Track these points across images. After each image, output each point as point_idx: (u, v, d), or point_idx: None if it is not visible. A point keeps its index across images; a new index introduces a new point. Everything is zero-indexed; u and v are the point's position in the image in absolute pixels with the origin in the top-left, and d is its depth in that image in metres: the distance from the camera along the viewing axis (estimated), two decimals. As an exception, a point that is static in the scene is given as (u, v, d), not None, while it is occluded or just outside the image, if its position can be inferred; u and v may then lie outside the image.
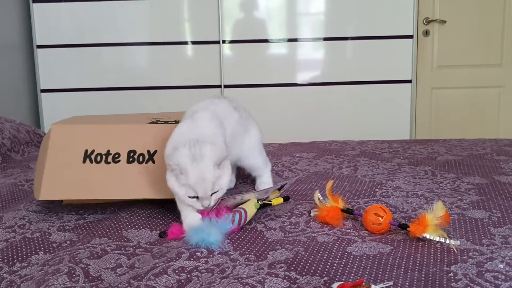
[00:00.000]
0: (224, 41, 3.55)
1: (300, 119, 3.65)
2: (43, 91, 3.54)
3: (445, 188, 1.60)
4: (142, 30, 3.57)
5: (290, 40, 3.63)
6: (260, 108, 3.60)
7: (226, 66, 3.57)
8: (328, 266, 1.06)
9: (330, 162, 1.97)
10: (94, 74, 3.56)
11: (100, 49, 3.55)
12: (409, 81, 3.64)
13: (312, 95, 3.62)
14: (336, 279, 1.00)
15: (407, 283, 0.97)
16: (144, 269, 1.06)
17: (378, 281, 0.99)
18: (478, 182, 1.64)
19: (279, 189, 1.46)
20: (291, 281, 0.99)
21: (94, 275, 1.04)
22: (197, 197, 1.22)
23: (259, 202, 1.35)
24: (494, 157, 1.99)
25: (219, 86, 3.60)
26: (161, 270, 1.04)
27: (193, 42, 3.58)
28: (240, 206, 1.30)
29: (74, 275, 1.02)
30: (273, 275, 1.01)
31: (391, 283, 0.96)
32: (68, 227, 1.31)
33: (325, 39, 3.62)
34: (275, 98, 3.62)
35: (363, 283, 0.88)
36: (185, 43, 3.58)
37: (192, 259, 1.09)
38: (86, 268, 1.06)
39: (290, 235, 1.25)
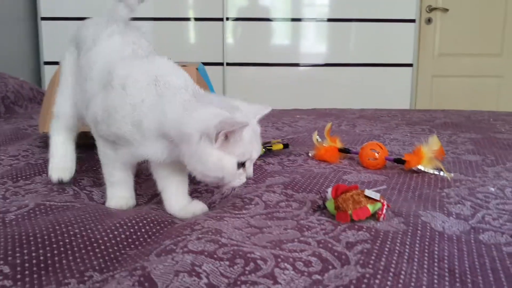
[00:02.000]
0: (227, 19, 3.57)
1: (300, 99, 3.66)
2: (46, 63, 3.56)
3: (442, 140, 1.62)
4: (145, 5, 3.58)
5: (294, 19, 3.64)
6: (261, 87, 3.63)
7: (228, 44, 3.59)
8: (324, 187, 1.08)
9: (330, 121, 1.99)
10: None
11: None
12: (410, 65, 3.65)
13: (313, 76, 3.63)
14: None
15: (400, 199, 1.00)
16: (145, 189, 1.08)
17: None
18: (473, 137, 1.67)
19: (285, 146, 1.44)
20: (288, 196, 1.02)
21: (95, 199, 1.06)
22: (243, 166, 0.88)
23: (264, 148, 1.37)
24: (491, 122, 2.01)
25: (221, 64, 3.62)
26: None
27: (196, 19, 3.60)
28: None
29: (79, 197, 1.04)
30: (271, 191, 1.04)
31: (384, 186, 0.98)
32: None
33: (329, 20, 3.63)
34: (276, 78, 3.63)
35: (354, 189, 0.89)
36: (188, 19, 3.60)
37: (192, 184, 1.10)
38: (90, 194, 1.08)
39: (288, 168, 1.27)
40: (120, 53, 0.96)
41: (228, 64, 3.62)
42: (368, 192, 0.87)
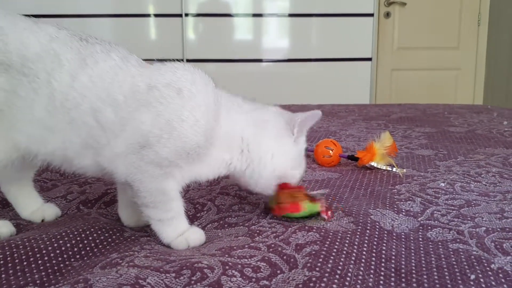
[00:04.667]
0: (187, 15, 3.53)
1: (262, 95, 3.65)
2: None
3: (396, 135, 1.65)
4: (103, 1, 3.51)
5: (255, 15, 3.63)
6: (222, 83, 3.60)
7: (189, 40, 3.55)
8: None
9: (288, 118, 2.00)
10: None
11: (60, 20, 3.47)
12: (369, 59, 3.69)
13: (275, 71, 3.63)
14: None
15: (352, 197, 1.00)
16: (96, 195, 1.06)
17: (324, 196, 1.01)
18: (428, 131, 1.70)
19: None
20: (241, 198, 1.01)
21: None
22: None
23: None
24: (445, 115, 2.06)
25: (181, 60, 3.57)
26: (111, 199, 1.03)
27: (156, 15, 3.55)
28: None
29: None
30: (224, 194, 1.03)
31: (326, 190, 1.00)
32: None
33: (290, 15, 3.64)
34: (238, 74, 3.62)
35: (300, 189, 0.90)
36: (148, 15, 3.54)
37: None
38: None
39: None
40: (133, 67, 0.82)
41: (188, 60, 3.58)
42: (312, 193, 0.89)
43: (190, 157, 0.80)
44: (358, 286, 0.63)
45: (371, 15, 3.62)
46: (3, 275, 0.67)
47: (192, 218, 0.92)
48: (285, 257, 0.72)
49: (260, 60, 3.65)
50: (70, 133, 0.78)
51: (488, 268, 0.68)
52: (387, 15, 3.88)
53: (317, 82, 3.65)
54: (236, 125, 0.85)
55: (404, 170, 1.19)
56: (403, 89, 3.91)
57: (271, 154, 0.87)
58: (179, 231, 0.81)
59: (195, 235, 0.81)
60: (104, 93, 0.78)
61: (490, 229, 0.82)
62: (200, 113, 0.80)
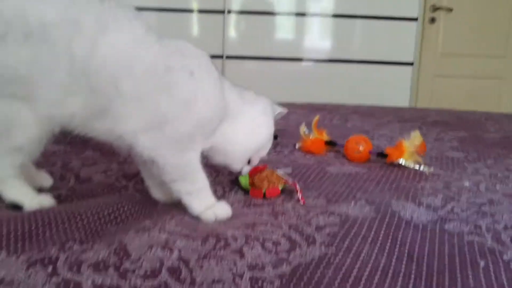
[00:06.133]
0: (229, 11, 3.59)
1: (300, 95, 3.68)
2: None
3: (429, 138, 1.66)
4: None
5: (298, 14, 3.66)
6: (261, 81, 3.65)
7: (229, 37, 3.61)
8: (305, 177, 1.12)
9: (322, 116, 2.03)
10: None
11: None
12: (411, 64, 3.67)
13: (315, 71, 3.65)
14: (311, 185, 1.07)
15: (377, 190, 1.04)
16: (133, 172, 1.12)
17: (350, 188, 1.05)
18: (461, 135, 1.71)
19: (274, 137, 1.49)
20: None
21: (84, 177, 1.10)
22: None
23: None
24: (482, 121, 2.05)
25: (221, 57, 3.64)
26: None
27: (199, 11, 3.63)
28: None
29: (65, 179, 1.08)
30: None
31: (289, 169, 1.12)
32: (63, 141, 1.37)
33: (334, 15, 3.65)
34: (277, 72, 3.66)
35: (267, 168, 1.02)
36: (190, 11, 3.62)
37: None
38: (78, 173, 1.12)
39: (273, 158, 1.31)
40: (154, 43, 0.85)
41: (228, 57, 3.64)
42: (279, 172, 1.01)
43: (206, 132, 0.87)
44: (370, 263, 0.67)
45: (415, 19, 3.60)
46: (47, 233, 0.74)
47: (220, 197, 0.98)
48: (304, 236, 0.76)
49: (300, 59, 3.68)
50: (90, 98, 0.81)
51: (499, 259, 0.71)
52: (432, 20, 3.84)
53: (357, 84, 3.65)
54: (232, 100, 0.92)
55: (432, 169, 1.21)
56: (445, 96, 3.86)
57: (256, 127, 0.95)
58: (207, 204, 0.86)
59: (223, 209, 0.87)
60: (124, 63, 0.81)
61: (509, 226, 0.85)
62: (211, 92, 0.87)
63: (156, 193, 0.97)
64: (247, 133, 0.94)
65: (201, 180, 0.87)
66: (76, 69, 0.79)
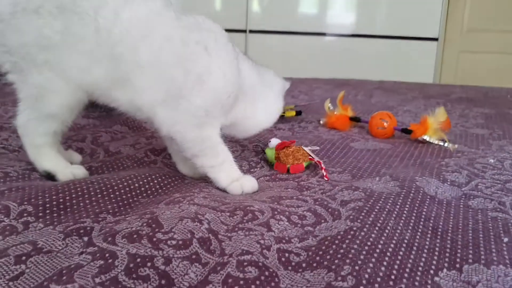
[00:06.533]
0: (253, -15, 3.57)
1: (323, 70, 3.66)
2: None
3: (453, 114, 1.65)
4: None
5: (321, -13, 3.62)
6: (284, 56, 3.64)
7: (253, 11, 3.59)
8: (329, 152, 1.14)
9: (347, 92, 2.03)
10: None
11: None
12: (436, 39, 3.61)
13: (339, 46, 3.62)
14: (335, 161, 1.08)
15: (401, 166, 1.04)
16: (161, 147, 1.15)
17: (374, 163, 1.06)
18: (486, 112, 1.69)
19: (298, 113, 1.50)
20: (293, 158, 1.07)
21: (114, 151, 1.13)
22: None
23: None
24: (509, 98, 2.02)
25: (244, 31, 3.62)
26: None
27: (222, -16, 3.60)
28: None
29: (95, 153, 1.11)
30: (277, 153, 1.09)
31: (317, 147, 1.11)
32: (92, 116, 1.41)
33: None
34: (301, 47, 3.63)
35: (294, 143, 1.05)
36: (214, -16, 3.60)
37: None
38: (108, 147, 1.15)
39: (298, 134, 1.33)
40: (172, 17, 0.87)
41: (251, 31, 3.63)
42: (306, 149, 1.02)
43: (224, 108, 0.88)
44: (395, 238, 0.68)
45: (441, -8, 3.53)
46: (81, 204, 0.77)
47: (246, 172, 1.00)
48: (330, 210, 0.78)
49: (324, 34, 3.64)
50: (112, 66, 0.84)
51: (523, 235, 0.72)
52: (458, -6, 3.75)
53: (381, 59, 3.61)
54: (252, 80, 0.94)
55: (456, 145, 1.21)
56: (470, 72, 3.79)
57: (274, 108, 1.00)
58: (233, 176, 0.89)
59: (249, 182, 0.89)
60: (142, 34, 0.84)
61: (533, 203, 0.85)
62: (225, 68, 0.87)
63: (183, 169, 1.00)
64: (266, 113, 0.99)
65: (223, 154, 0.90)
66: (101, 38, 0.83)
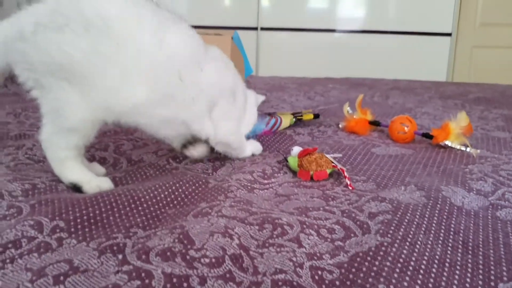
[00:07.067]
0: (263, -15, 3.55)
1: (335, 67, 3.65)
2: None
3: (473, 116, 1.64)
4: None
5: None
6: (295, 53, 3.63)
7: (263, 7, 3.58)
8: (351, 159, 1.13)
9: (363, 92, 2.02)
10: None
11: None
12: (449, 35, 3.58)
13: (349, 43, 3.60)
14: (358, 168, 1.08)
15: (424, 173, 1.04)
16: (182, 156, 1.15)
17: (397, 171, 1.06)
18: (506, 113, 1.68)
19: (316, 116, 1.50)
20: (316, 166, 1.07)
21: (136, 159, 1.14)
22: None
23: (295, 118, 1.42)
24: (526, 98, 2.00)
25: (255, 29, 3.61)
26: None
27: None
28: (278, 114, 1.38)
29: (118, 163, 1.11)
30: (300, 161, 1.09)
31: (340, 154, 1.14)
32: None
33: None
34: (310, 44, 3.62)
35: (317, 150, 1.06)
36: (225, -16, 3.59)
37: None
38: (130, 156, 1.15)
39: (318, 139, 1.32)
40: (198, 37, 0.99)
41: (262, 28, 3.61)
42: (329, 156, 1.03)
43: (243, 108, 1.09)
44: (426, 253, 0.68)
45: (453, -12, 3.50)
46: (111, 217, 0.78)
47: (270, 176, 1.00)
48: (358, 223, 0.78)
49: (333, 31, 3.63)
50: (156, 86, 0.89)
51: (555, 249, 0.71)
52: (471, -12, 3.72)
53: (392, 56, 3.59)
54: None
55: (478, 150, 1.20)
56: (483, 68, 3.75)
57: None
58: (248, 152, 1.14)
59: (256, 147, 1.16)
60: (186, 55, 0.93)
61: (562, 213, 0.84)
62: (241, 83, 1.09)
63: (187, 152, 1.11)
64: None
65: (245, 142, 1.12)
66: (143, 60, 0.86)
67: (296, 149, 1.06)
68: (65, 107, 0.87)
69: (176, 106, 0.93)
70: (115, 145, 1.19)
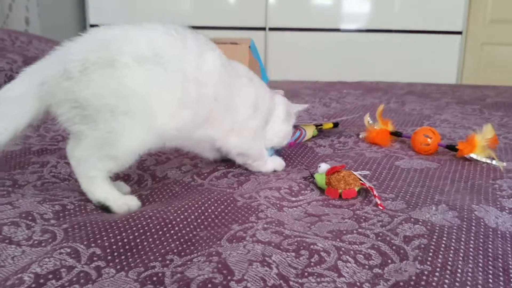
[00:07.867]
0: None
1: (343, 67, 3.63)
2: (92, 25, 3.63)
3: (493, 123, 1.62)
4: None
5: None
6: (305, 53, 3.61)
7: (271, 7, 3.56)
8: (377, 174, 1.13)
9: (378, 98, 2.01)
10: (142, 10, 3.62)
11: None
12: (459, 33, 3.56)
13: (357, 42, 3.59)
14: (385, 184, 1.07)
15: (453, 190, 1.03)
16: (207, 170, 1.15)
17: (425, 187, 1.05)
18: (526, 120, 1.66)
19: (335, 125, 1.49)
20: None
21: (161, 176, 1.13)
22: None
23: (317, 129, 1.42)
24: (544, 102, 1.99)
25: (263, 29, 3.60)
26: (222, 174, 1.12)
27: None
28: (302, 126, 1.38)
29: (143, 181, 1.11)
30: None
31: (368, 172, 1.12)
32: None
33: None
34: (315, 44, 3.60)
35: (344, 168, 1.05)
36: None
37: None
38: (154, 172, 1.14)
39: (339, 151, 1.31)
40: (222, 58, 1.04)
41: (270, 29, 3.60)
42: (357, 174, 1.01)
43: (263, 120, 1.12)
44: (468, 282, 0.68)
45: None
46: (145, 243, 0.77)
47: (297, 194, 1.00)
48: (394, 247, 0.77)
49: (341, 30, 3.61)
50: (197, 109, 0.96)
51: None
52: (480, -15, 3.69)
53: (400, 55, 3.57)
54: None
55: (505, 163, 1.19)
56: (494, 66, 3.73)
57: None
58: (267, 166, 1.15)
59: (279, 163, 1.17)
60: (219, 76, 0.99)
61: None
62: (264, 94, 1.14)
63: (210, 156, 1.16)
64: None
65: (266, 155, 1.15)
66: (189, 84, 0.93)
67: (324, 166, 1.05)
68: (119, 138, 0.89)
69: (211, 125, 1.01)
70: (138, 160, 1.18)
